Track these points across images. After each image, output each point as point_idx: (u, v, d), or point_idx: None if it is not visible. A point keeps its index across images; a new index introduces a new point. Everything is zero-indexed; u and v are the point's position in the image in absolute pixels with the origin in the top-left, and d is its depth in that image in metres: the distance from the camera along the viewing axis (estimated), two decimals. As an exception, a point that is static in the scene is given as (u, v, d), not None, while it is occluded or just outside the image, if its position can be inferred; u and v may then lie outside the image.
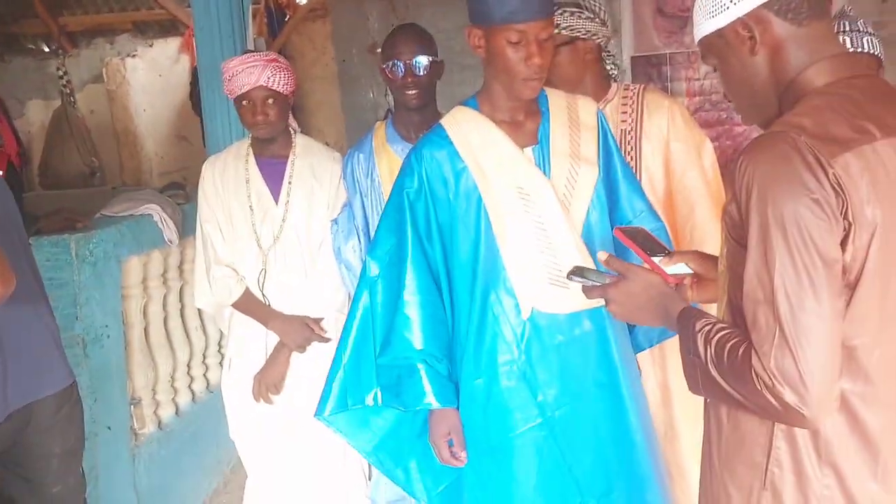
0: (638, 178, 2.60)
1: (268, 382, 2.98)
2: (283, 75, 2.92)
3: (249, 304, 2.99)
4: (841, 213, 1.38)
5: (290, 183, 2.99)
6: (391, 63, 2.85)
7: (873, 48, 2.52)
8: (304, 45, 6.23)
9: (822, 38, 1.54)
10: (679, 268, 1.80)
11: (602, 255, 1.82)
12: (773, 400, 1.38)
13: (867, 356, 1.43)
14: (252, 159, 3.03)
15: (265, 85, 2.87)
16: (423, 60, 2.82)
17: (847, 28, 2.55)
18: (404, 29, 2.93)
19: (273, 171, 3.01)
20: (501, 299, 2.27)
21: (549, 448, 2.30)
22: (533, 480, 2.30)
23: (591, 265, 2.13)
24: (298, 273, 2.98)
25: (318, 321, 2.99)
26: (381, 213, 2.66)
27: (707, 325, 1.52)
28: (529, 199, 2.26)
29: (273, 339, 2.99)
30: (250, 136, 3.07)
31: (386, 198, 2.77)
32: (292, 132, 3.08)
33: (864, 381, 1.45)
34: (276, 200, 2.98)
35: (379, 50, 5.34)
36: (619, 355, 2.33)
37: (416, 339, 2.32)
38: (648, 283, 1.72)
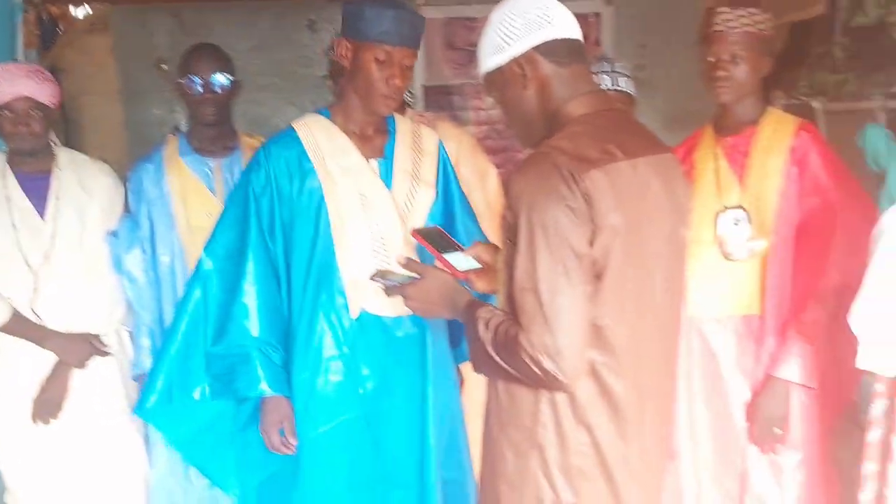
0: None
1: (47, 404, 2.88)
2: (47, 87, 2.88)
3: (19, 326, 2.85)
4: (589, 218, 1.70)
5: (57, 198, 2.91)
6: (188, 79, 2.94)
7: (627, 87, 2.92)
8: (80, 59, 6.08)
9: (580, 78, 1.88)
10: (469, 262, 2.07)
11: (400, 259, 2.11)
12: (535, 369, 1.69)
13: (612, 333, 1.77)
14: (10, 175, 2.92)
15: (28, 95, 2.82)
16: (220, 79, 2.94)
17: (608, 69, 2.92)
18: (204, 47, 3.04)
19: (35, 186, 2.92)
20: (333, 298, 2.43)
21: (364, 439, 2.46)
22: (346, 470, 2.45)
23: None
24: (74, 289, 2.90)
25: (97, 337, 2.93)
26: (167, 223, 2.83)
27: (487, 312, 1.83)
28: (370, 208, 2.45)
29: (45, 358, 2.89)
30: (4, 151, 2.96)
31: (175, 209, 2.93)
32: (52, 146, 3.03)
33: (610, 353, 1.77)
34: (43, 216, 2.89)
35: (164, 66, 5.33)
36: (433, 362, 2.50)
37: (253, 327, 2.42)
38: (441, 281, 2.02)
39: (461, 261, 2.07)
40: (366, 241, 2.44)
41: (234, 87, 3.01)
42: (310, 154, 2.46)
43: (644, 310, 1.82)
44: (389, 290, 2.11)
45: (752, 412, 2.63)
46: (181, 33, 5.49)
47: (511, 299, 1.76)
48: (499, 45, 1.87)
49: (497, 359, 1.78)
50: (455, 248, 2.09)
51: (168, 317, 2.93)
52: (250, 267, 2.44)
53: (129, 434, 2.99)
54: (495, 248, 2.08)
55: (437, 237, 2.10)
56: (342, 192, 2.45)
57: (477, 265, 2.08)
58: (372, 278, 2.16)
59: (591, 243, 1.72)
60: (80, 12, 5.60)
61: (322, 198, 2.44)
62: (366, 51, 2.37)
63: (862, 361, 2.19)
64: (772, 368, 2.58)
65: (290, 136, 2.49)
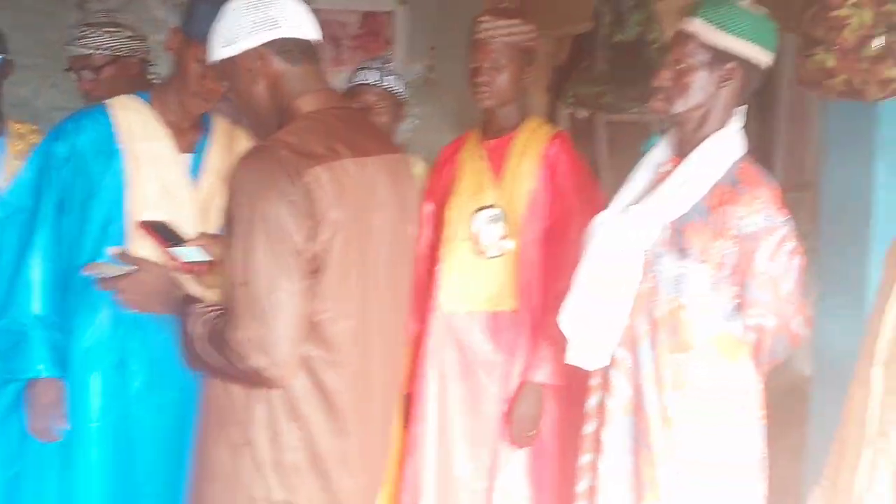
0: None
1: None
2: None
3: None
4: (310, 214, 1.73)
5: None
6: None
7: (395, 86, 2.99)
8: None
9: (312, 76, 1.92)
10: (197, 255, 2.07)
11: (115, 250, 2.08)
12: (246, 365, 1.71)
13: (330, 328, 1.80)
14: None
15: None
16: None
17: (379, 65, 3.00)
18: None
19: None
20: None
21: (123, 439, 2.41)
22: (99, 470, 2.40)
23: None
24: None
25: None
26: None
27: (201, 307, 1.82)
28: (170, 201, 2.42)
29: None
30: None
31: None
32: None
33: (327, 348, 1.81)
34: None
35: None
36: None
37: (37, 303, 2.33)
38: (156, 274, 2.00)
39: (188, 253, 2.06)
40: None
41: (4, 66, 2.86)
42: (120, 135, 2.43)
43: (367, 305, 1.87)
44: (102, 283, 2.06)
45: (508, 415, 2.74)
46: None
47: (227, 293, 1.77)
48: (229, 38, 1.88)
49: (208, 355, 1.77)
50: (179, 240, 2.09)
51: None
52: (39, 240, 2.37)
53: None
54: (221, 240, 2.07)
55: (164, 230, 2.09)
56: (145, 180, 2.42)
57: (205, 258, 2.08)
58: (86, 270, 2.12)
59: (312, 239, 1.74)
60: None
61: (122, 183, 2.40)
62: (191, 47, 2.37)
63: (570, 357, 2.36)
64: (526, 374, 2.70)
65: (102, 112, 2.46)
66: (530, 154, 2.79)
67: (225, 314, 1.75)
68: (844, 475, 1.82)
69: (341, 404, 1.84)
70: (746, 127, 2.34)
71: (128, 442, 2.42)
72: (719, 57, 2.25)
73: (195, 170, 2.50)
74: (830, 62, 2.41)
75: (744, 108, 2.34)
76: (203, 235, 2.15)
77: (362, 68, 3.00)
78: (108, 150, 2.43)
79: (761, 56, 2.27)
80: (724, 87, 2.27)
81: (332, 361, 1.82)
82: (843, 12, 2.39)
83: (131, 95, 2.53)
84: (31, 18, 4.70)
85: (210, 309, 1.81)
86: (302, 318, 1.74)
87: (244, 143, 2.59)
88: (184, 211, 2.44)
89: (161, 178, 2.43)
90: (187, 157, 2.50)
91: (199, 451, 1.90)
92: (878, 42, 2.39)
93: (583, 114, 3.93)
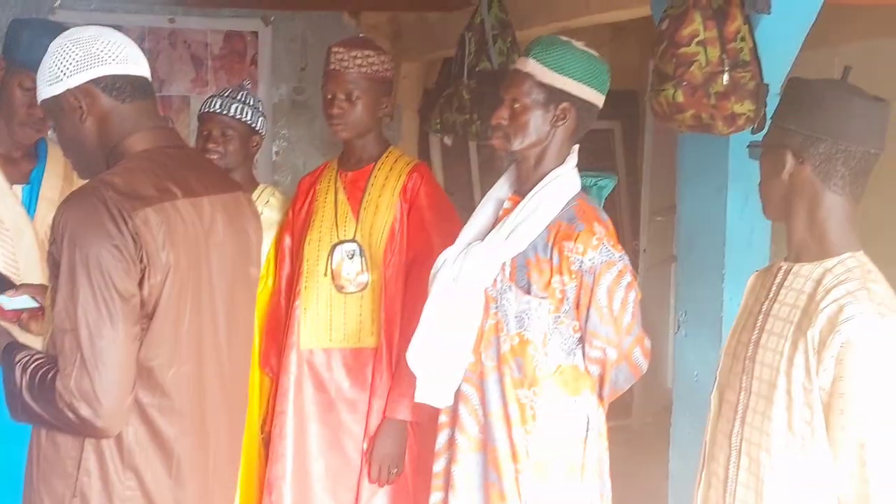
0: None
1: None
2: None
3: None
4: (138, 257, 1.70)
5: None
6: None
7: (242, 115, 2.89)
8: None
9: (143, 113, 1.88)
10: (20, 302, 2.01)
11: None
12: (71, 415, 1.66)
13: (163, 374, 1.77)
14: None
15: None
16: None
17: (225, 93, 2.93)
18: None
19: None
20: None
21: None
22: None
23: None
24: None
25: None
26: None
27: (26, 356, 1.76)
28: (6, 235, 2.36)
29: None
30: None
31: None
32: None
33: (161, 394, 1.78)
34: None
35: None
36: None
37: None
38: None
39: (9, 301, 2.01)
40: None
41: None
42: None
43: (203, 350, 1.85)
44: None
45: (370, 453, 2.72)
46: None
47: (52, 341, 1.73)
48: (56, 76, 1.84)
49: (35, 406, 1.72)
50: (5, 285, 2.04)
51: None
52: None
53: None
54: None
55: None
56: None
57: (30, 305, 2.03)
58: None
59: (141, 283, 1.71)
60: None
61: None
62: (14, 74, 2.35)
63: (419, 395, 2.39)
64: (387, 411, 2.69)
65: None
66: (389, 187, 2.78)
67: (50, 363, 1.71)
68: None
69: (177, 452, 1.81)
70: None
71: None
72: (554, 97, 2.32)
73: (30, 201, 2.45)
74: (679, 97, 2.49)
75: (577, 146, 2.42)
76: (26, 285, 2.08)
77: (212, 95, 2.94)
78: None
79: (593, 97, 2.36)
80: (559, 126, 2.35)
81: (167, 408, 1.79)
82: (690, 49, 2.47)
83: None
84: None
85: (35, 357, 1.76)
86: (128, 366, 1.70)
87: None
88: (21, 244, 2.38)
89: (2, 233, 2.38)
90: (20, 189, 2.45)
91: (27, 500, 1.83)
92: (724, 79, 2.46)
93: (448, 140, 3.94)
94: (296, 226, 2.90)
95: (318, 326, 2.76)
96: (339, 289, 2.76)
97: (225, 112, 2.86)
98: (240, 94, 2.92)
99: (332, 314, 2.76)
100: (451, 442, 2.41)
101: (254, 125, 2.92)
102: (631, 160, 5.81)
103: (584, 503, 2.36)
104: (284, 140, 5.13)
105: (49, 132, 2.45)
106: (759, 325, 1.79)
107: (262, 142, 3.00)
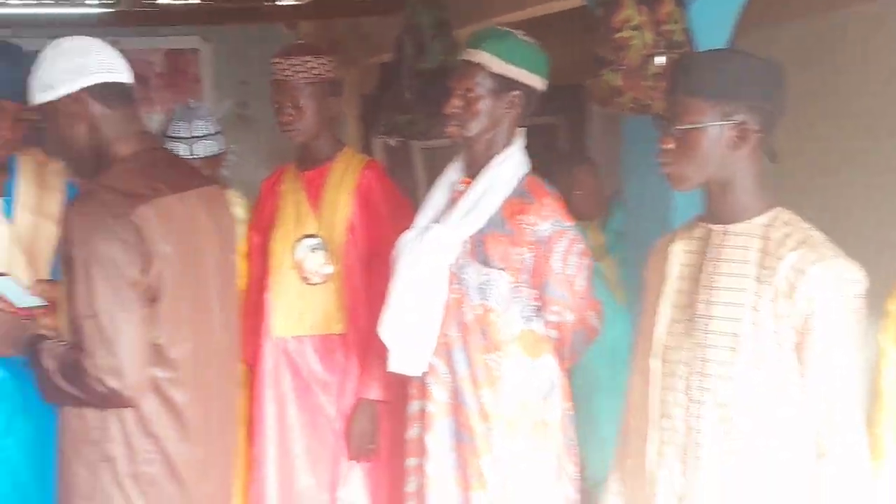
0: None
1: None
2: None
3: None
4: (141, 249, 1.96)
5: None
6: None
7: (204, 152, 3.12)
8: None
9: (129, 119, 2.13)
10: (31, 300, 2.23)
11: None
12: (102, 389, 1.93)
13: (171, 350, 2.04)
14: None
15: None
16: None
17: (185, 135, 3.12)
18: None
19: None
20: None
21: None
22: None
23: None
24: None
25: None
26: None
27: (50, 343, 2.04)
28: None
29: None
30: None
31: None
32: None
33: (169, 368, 2.04)
34: None
35: None
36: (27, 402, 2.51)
37: None
38: (3, 320, 2.18)
39: (21, 298, 2.21)
40: None
41: None
42: None
43: (202, 327, 2.11)
44: None
45: (346, 432, 2.94)
46: None
47: (74, 328, 1.98)
48: (48, 84, 2.06)
49: (64, 385, 1.98)
50: (22, 288, 2.24)
51: None
52: None
53: None
54: (54, 285, 2.27)
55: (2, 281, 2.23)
56: None
57: (39, 302, 2.23)
58: None
59: (145, 272, 1.97)
60: None
61: None
62: None
63: (393, 366, 2.61)
64: (359, 392, 2.91)
65: None
66: (346, 184, 3.00)
67: (74, 347, 1.97)
68: (632, 460, 2.07)
69: (188, 418, 2.08)
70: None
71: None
72: (505, 85, 2.55)
73: (8, 212, 2.59)
74: (617, 81, 2.64)
75: (524, 129, 2.64)
76: (39, 282, 2.32)
77: (170, 138, 3.12)
78: None
79: (539, 83, 2.60)
80: (509, 112, 2.58)
81: (176, 380, 2.05)
82: (625, 34, 2.62)
83: None
84: None
85: (59, 344, 2.02)
86: (143, 343, 1.97)
87: (57, 175, 2.68)
88: (6, 251, 2.52)
89: None
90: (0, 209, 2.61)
91: (60, 473, 2.10)
92: (659, 60, 2.59)
93: (394, 142, 4.04)
94: (261, 224, 3.11)
95: (289, 316, 2.98)
96: (305, 280, 2.97)
97: (192, 156, 3.08)
98: (199, 128, 3.13)
99: (301, 304, 2.97)
100: (422, 412, 2.64)
101: (217, 156, 3.21)
102: (576, 154, 5.93)
103: (550, 455, 2.58)
104: (232, 154, 5.17)
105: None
106: (703, 285, 1.92)
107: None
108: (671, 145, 1.87)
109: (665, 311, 1.97)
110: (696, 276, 1.92)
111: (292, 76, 2.85)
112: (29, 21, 4.83)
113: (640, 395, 2.01)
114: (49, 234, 2.61)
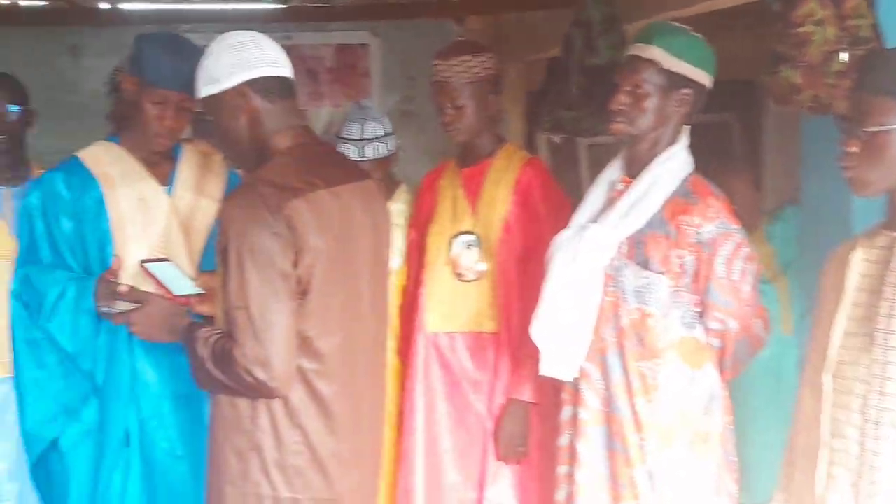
0: None
1: None
2: None
3: None
4: (293, 242, 1.99)
5: None
6: None
7: (375, 154, 3.12)
8: None
9: (288, 112, 2.17)
10: (189, 288, 2.34)
11: (123, 288, 2.37)
12: (249, 379, 1.97)
13: (318, 342, 2.07)
14: None
15: None
16: (12, 108, 3.06)
17: (356, 137, 3.13)
18: None
19: None
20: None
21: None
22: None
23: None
24: None
25: None
26: None
27: (206, 332, 2.09)
28: (149, 212, 2.65)
29: None
30: None
31: None
32: None
33: (318, 360, 2.07)
34: None
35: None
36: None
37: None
38: (161, 307, 2.28)
39: (180, 285, 2.32)
40: (144, 246, 2.61)
41: (27, 117, 3.14)
42: (92, 170, 2.65)
43: (351, 320, 2.13)
44: (114, 318, 2.34)
45: (497, 432, 2.92)
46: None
47: (226, 318, 2.03)
48: (214, 77, 2.12)
49: (216, 373, 2.03)
50: (181, 277, 2.36)
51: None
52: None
53: None
54: (210, 275, 2.35)
55: (164, 269, 2.35)
56: (122, 196, 2.63)
57: (196, 290, 2.34)
58: (99, 309, 2.40)
59: (296, 264, 2.00)
60: None
61: (105, 205, 2.62)
62: (145, 90, 2.58)
63: (544, 369, 2.55)
64: (510, 392, 2.89)
65: (72, 161, 2.70)
66: (505, 181, 2.97)
67: (226, 336, 2.02)
68: (799, 479, 1.97)
69: (334, 410, 2.10)
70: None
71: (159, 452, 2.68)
72: (675, 82, 2.47)
73: (169, 191, 2.73)
74: (797, 78, 2.52)
75: (689, 127, 2.55)
76: (200, 274, 2.44)
77: (342, 139, 3.16)
78: (83, 185, 2.65)
79: (708, 81, 2.51)
80: (678, 110, 2.49)
81: (323, 372, 2.08)
82: (806, 29, 2.49)
83: (102, 142, 2.77)
84: (25, 64, 4.85)
85: (213, 332, 2.07)
86: (292, 335, 2.00)
87: (219, 164, 2.80)
88: (166, 224, 2.64)
89: (137, 192, 2.65)
90: (163, 188, 2.72)
91: (212, 455, 2.17)
92: (843, 57, 2.43)
93: (559, 139, 3.97)
94: (419, 220, 3.14)
95: (442, 312, 2.98)
96: (459, 277, 2.96)
97: (360, 158, 3.09)
98: (370, 130, 3.14)
99: (454, 300, 2.98)
100: (574, 418, 2.57)
101: (387, 158, 3.19)
102: (751, 153, 5.70)
103: (709, 471, 2.48)
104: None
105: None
106: (885, 297, 1.80)
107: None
108: (855, 148, 1.77)
109: (841, 323, 1.87)
110: (877, 288, 1.80)
111: (452, 77, 2.85)
112: (203, 16, 5.04)
113: (809, 412, 1.91)
114: (207, 210, 2.72)
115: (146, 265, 2.35)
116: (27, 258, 2.67)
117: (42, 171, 3.08)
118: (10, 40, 5.23)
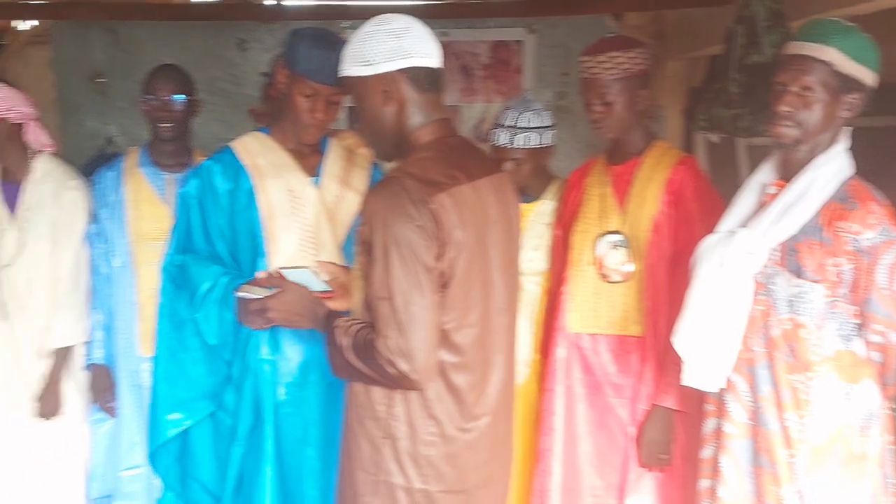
0: None
1: (47, 405, 3.25)
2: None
3: None
4: (437, 236, 2.00)
5: (27, 209, 3.23)
6: (150, 97, 3.30)
7: (525, 144, 3.05)
8: (21, 71, 6.15)
9: (433, 105, 2.16)
10: (322, 286, 2.35)
11: (261, 274, 2.39)
12: (391, 370, 1.99)
13: (457, 335, 2.07)
14: None
15: None
16: (178, 98, 3.29)
17: (511, 123, 3.08)
18: (165, 68, 3.40)
19: (8, 194, 3.26)
20: None
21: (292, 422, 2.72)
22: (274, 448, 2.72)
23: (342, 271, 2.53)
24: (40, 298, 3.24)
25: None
26: (120, 228, 3.26)
27: (345, 321, 2.12)
28: (298, 202, 2.72)
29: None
30: None
31: (128, 216, 3.32)
32: (30, 154, 3.32)
33: (455, 353, 2.07)
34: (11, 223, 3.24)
35: (99, 79, 5.50)
36: None
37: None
38: (301, 294, 2.31)
39: (315, 286, 2.33)
40: (294, 236, 2.70)
41: (192, 106, 3.34)
42: (243, 160, 2.74)
43: (488, 313, 2.12)
44: (252, 304, 2.36)
45: (639, 438, 2.85)
46: (116, 49, 5.63)
47: (368, 307, 2.05)
48: (367, 59, 2.10)
49: (356, 362, 2.05)
50: (318, 282, 2.37)
51: (118, 315, 3.34)
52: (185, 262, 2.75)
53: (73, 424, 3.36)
54: (342, 270, 2.42)
55: (303, 276, 2.36)
56: (271, 186, 2.72)
57: (324, 288, 2.35)
58: (236, 293, 2.43)
59: (439, 258, 2.00)
60: (23, 25, 5.71)
61: (254, 195, 2.70)
62: (296, 82, 2.64)
63: (687, 379, 2.46)
64: (655, 398, 2.81)
65: (225, 150, 2.80)
66: (655, 180, 2.88)
67: (368, 326, 2.04)
68: None
69: (469, 403, 2.10)
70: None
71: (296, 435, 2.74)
72: (848, 86, 2.33)
73: (317, 182, 2.79)
74: None
75: (850, 129, 2.41)
76: (328, 265, 2.43)
77: (497, 125, 3.13)
78: (234, 174, 2.73)
79: (875, 83, 2.37)
80: (847, 115, 2.36)
81: (460, 365, 2.08)
82: None
83: (253, 133, 2.86)
84: (196, 57, 5.11)
85: (353, 323, 2.09)
86: (435, 328, 2.00)
87: (364, 158, 2.88)
88: (314, 214, 2.71)
89: (285, 183, 2.72)
90: (310, 181, 2.79)
91: (345, 441, 2.19)
92: None
93: (717, 138, 3.83)
94: (565, 217, 3.07)
95: (584, 312, 2.93)
96: (604, 277, 2.90)
97: (512, 145, 3.05)
98: (523, 120, 3.07)
99: (598, 301, 2.91)
100: (718, 430, 2.47)
101: (541, 148, 3.11)
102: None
103: (865, 493, 2.35)
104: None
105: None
106: None
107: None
108: None
109: None
110: None
111: (600, 73, 2.78)
112: (363, 13, 5.11)
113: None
114: (351, 202, 2.78)
115: (284, 271, 2.38)
116: (185, 245, 2.77)
117: (203, 158, 3.19)
118: (186, 36, 5.51)
